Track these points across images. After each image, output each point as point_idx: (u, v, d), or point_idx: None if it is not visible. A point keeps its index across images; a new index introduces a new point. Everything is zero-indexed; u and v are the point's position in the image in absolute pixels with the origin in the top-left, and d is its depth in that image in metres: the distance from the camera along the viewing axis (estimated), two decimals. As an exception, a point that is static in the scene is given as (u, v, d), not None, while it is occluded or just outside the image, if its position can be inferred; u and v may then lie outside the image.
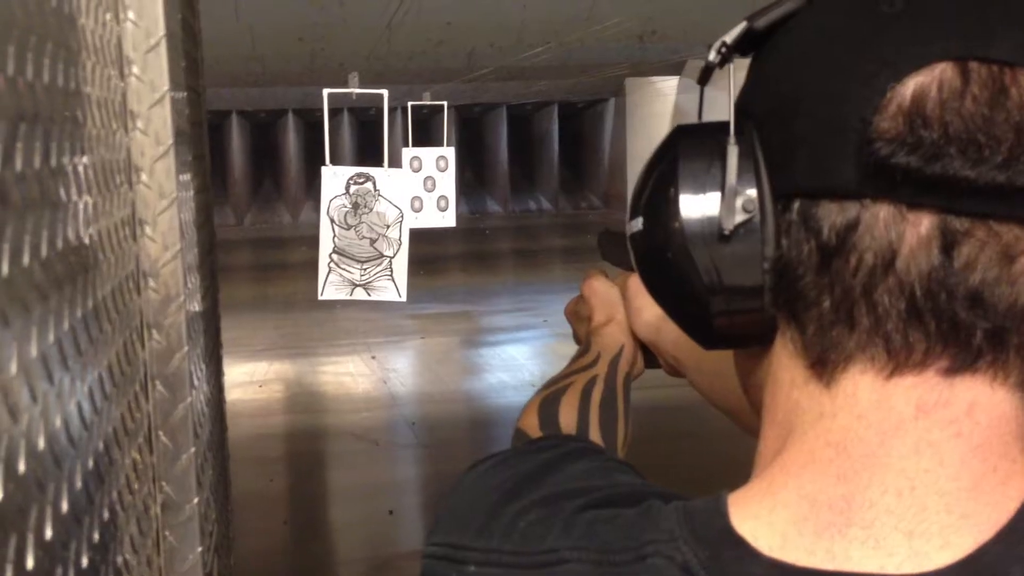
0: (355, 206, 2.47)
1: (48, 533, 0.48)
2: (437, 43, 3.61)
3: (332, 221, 2.44)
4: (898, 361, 0.50)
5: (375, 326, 6.79)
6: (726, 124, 0.54)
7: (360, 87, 2.70)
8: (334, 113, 2.48)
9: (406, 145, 3.49)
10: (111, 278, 0.69)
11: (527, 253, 11.34)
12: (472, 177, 13.50)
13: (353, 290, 2.46)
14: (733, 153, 0.53)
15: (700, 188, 0.54)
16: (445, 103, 3.62)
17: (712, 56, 0.56)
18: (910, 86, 0.48)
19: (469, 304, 7.94)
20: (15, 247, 0.46)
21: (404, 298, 2.46)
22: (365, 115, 12.59)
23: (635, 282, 1.03)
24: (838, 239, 0.49)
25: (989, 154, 0.47)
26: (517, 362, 6.04)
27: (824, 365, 0.52)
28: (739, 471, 0.58)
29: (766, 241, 0.52)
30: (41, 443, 0.48)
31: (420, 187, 3.49)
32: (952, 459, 0.50)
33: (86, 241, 0.61)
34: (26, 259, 0.48)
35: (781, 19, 0.54)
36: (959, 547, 0.49)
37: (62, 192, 0.57)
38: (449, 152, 3.52)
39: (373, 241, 2.49)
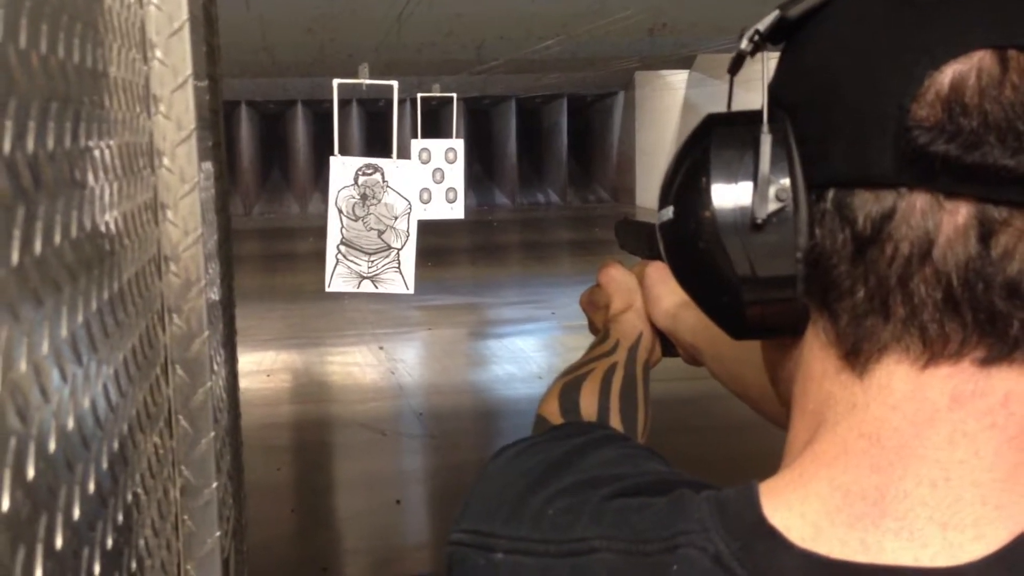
0: (363, 197, 2.47)
1: (76, 514, 0.48)
2: (447, 35, 3.62)
3: (340, 212, 2.45)
4: (933, 351, 0.49)
5: (382, 317, 6.81)
6: (758, 113, 0.53)
7: (370, 78, 2.70)
8: (343, 104, 2.48)
9: (415, 137, 3.50)
10: (134, 262, 0.69)
11: (535, 246, 11.34)
12: (480, 170, 13.49)
13: (360, 282, 2.47)
14: (767, 142, 0.52)
15: (732, 177, 0.54)
16: (454, 95, 3.62)
17: (744, 45, 0.55)
18: (948, 74, 0.48)
19: (476, 296, 7.95)
20: (47, 227, 0.46)
21: (412, 291, 2.46)
22: (374, 106, 12.60)
23: (653, 270, 1.03)
24: (873, 228, 0.49)
25: None
26: (524, 354, 6.05)
27: (857, 355, 0.51)
28: (742, 465, 0.58)
29: (799, 231, 0.52)
30: (70, 423, 0.49)
31: (429, 179, 3.50)
32: (987, 450, 0.49)
33: (111, 224, 0.62)
34: (58, 239, 0.48)
35: (815, 8, 0.53)
36: (993, 539, 0.49)
37: (89, 174, 0.57)
38: (458, 144, 3.52)
39: (381, 233, 2.50)
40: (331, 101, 2.47)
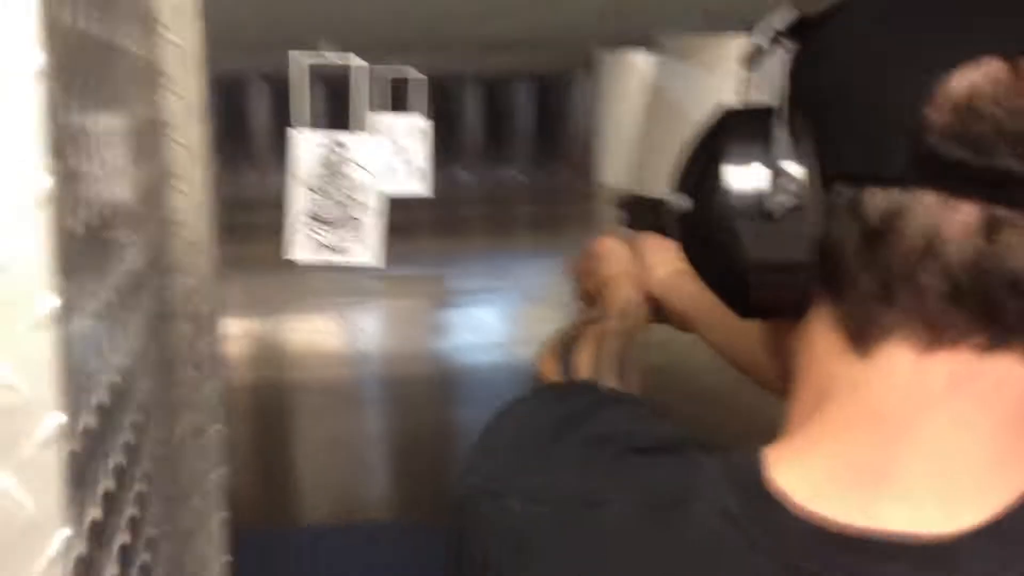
0: (328, 171, 2.50)
1: (120, 460, 0.53)
2: (408, 11, 3.63)
3: (304, 185, 2.48)
4: (935, 337, 0.52)
5: (344, 287, 6.81)
6: (772, 107, 0.56)
7: (330, 52, 2.72)
8: (303, 78, 2.51)
9: (378, 112, 3.50)
10: (151, 228, 0.75)
11: (498, 220, 11.34)
12: (444, 146, 13.43)
13: (325, 253, 2.50)
14: (782, 136, 0.55)
15: (749, 168, 0.56)
16: (418, 72, 3.63)
17: (762, 41, 0.58)
18: (962, 80, 0.50)
19: (439, 268, 7.97)
20: (82, 205, 0.50)
21: (377, 263, 2.49)
22: (335, 81, 12.44)
23: (649, 240, 1.06)
24: (883, 223, 0.51)
25: None
26: (485, 323, 6.11)
27: (862, 338, 0.54)
28: (722, 437, 0.63)
29: (812, 222, 0.54)
30: (115, 378, 0.53)
31: (393, 155, 3.51)
32: (981, 430, 0.52)
33: (132, 195, 0.66)
34: (89, 217, 0.52)
35: (831, 9, 0.56)
36: (984, 510, 0.52)
37: (113, 148, 0.60)
38: (422, 121, 3.54)
39: (346, 206, 2.53)
40: (290, 74, 2.49)
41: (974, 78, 0.50)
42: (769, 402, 0.77)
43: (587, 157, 13.52)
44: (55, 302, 0.42)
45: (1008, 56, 0.50)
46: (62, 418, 0.42)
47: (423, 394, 4.78)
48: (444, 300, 6.92)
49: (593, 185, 12.86)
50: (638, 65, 11.41)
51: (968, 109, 0.49)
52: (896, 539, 0.52)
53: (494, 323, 6.15)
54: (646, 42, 10.13)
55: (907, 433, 0.53)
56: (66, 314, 0.43)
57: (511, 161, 14.40)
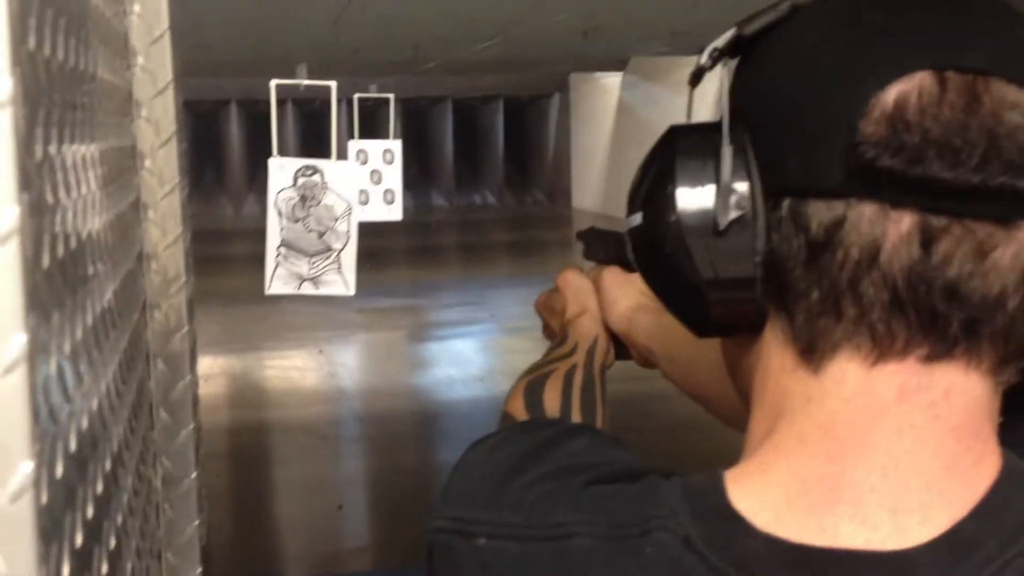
0: (303, 199, 2.46)
1: (90, 511, 0.49)
2: (384, 36, 3.62)
3: (280, 214, 2.43)
4: (882, 349, 0.53)
5: (321, 320, 6.75)
6: (719, 124, 0.57)
7: (307, 79, 2.68)
8: (279, 104, 2.48)
9: (351, 137, 3.48)
10: (125, 262, 0.71)
11: (473, 248, 11.35)
12: (417, 171, 13.46)
13: (301, 284, 2.45)
14: (727, 153, 0.56)
15: (696, 185, 0.57)
16: (391, 96, 3.62)
17: (704, 60, 0.59)
18: (892, 93, 0.51)
19: (416, 299, 7.93)
20: (52, 238, 0.47)
21: (352, 292, 2.46)
22: (310, 107, 12.48)
23: (609, 275, 1.07)
24: (826, 235, 0.52)
25: (965, 157, 0.50)
26: (464, 356, 6.06)
27: (812, 352, 0.55)
28: (683, 463, 0.62)
29: (757, 236, 0.55)
30: (85, 423, 0.50)
31: (367, 180, 3.48)
32: (931, 440, 0.53)
33: (104, 227, 0.63)
34: (73, 243, 0.50)
35: (768, 26, 0.57)
36: (937, 522, 0.53)
37: (87, 178, 0.58)
38: (396, 145, 3.51)
39: (321, 234, 2.49)
40: (266, 101, 2.45)
41: (904, 90, 0.51)
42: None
43: (561, 180, 13.57)
44: (22, 340, 0.38)
45: (937, 69, 0.52)
46: (32, 467, 0.39)
47: (404, 432, 4.72)
48: (423, 333, 6.88)
49: (570, 208, 12.95)
50: (609, 87, 11.52)
51: (899, 120, 0.51)
52: (853, 556, 0.52)
53: (473, 356, 6.11)
54: (618, 65, 10.23)
55: (859, 446, 0.54)
56: (35, 354, 0.39)
57: (485, 185, 14.47)
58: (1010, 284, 0.52)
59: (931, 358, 0.53)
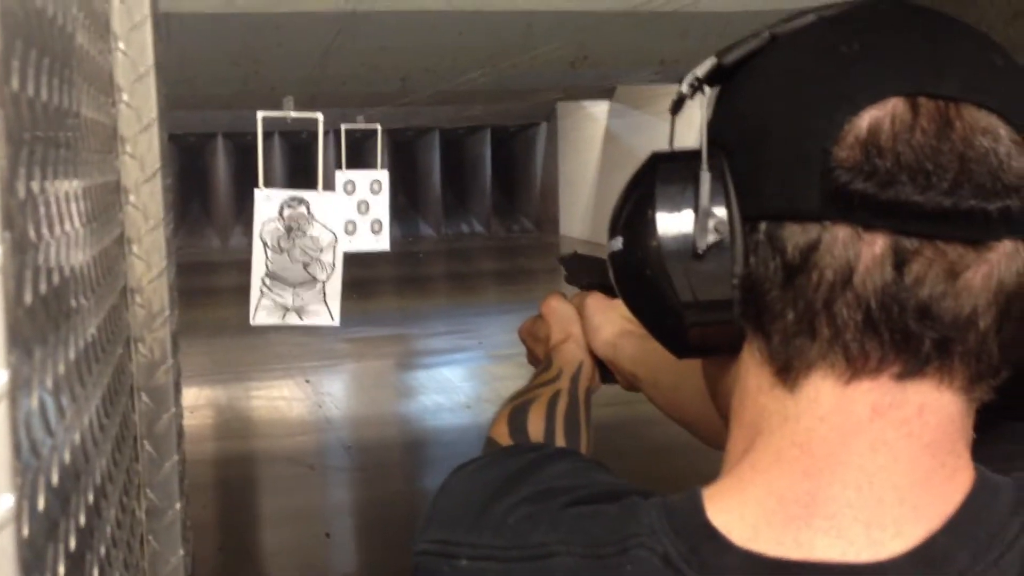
0: (288, 230, 2.47)
1: (72, 544, 0.50)
2: (371, 67, 3.64)
3: (265, 245, 2.44)
4: (855, 368, 0.54)
5: (308, 350, 6.74)
6: (699, 151, 0.58)
7: (294, 110, 2.70)
8: (266, 136, 2.49)
9: (339, 168, 3.49)
10: (109, 297, 0.71)
11: (461, 276, 11.35)
12: (405, 200, 13.49)
13: (286, 314, 2.45)
14: (706, 179, 0.58)
15: (676, 210, 0.59)
16: (378, 126, 3.64)
17: (684, 88, 0.61)
18: (866, 119, 0.53)
19: (403, 327, 7.93)
20: (35, 274, 0.48)
21: (337, 323, 2.46)
22: (296, 138, 12.51)
23: (592, 301, 1.08)
24: (801, 257, 0.54)
25: (936, 181, 0.52)
26: (452, 384, 6.05)
27: (788, 372, 0.56)
28: (669, 485, 0.62)
29: (735, 259, 0.57)
30: (67, 457, 0.50)
31: (354, 210, 3.49)
32: (905, 456, 0.54)
33: (88, 262, 0.64)
34: (56, 279, 0.50)
35: (747, 56, 0.59)
36: (911, 536, 0.54)
37: (70, 214, 0.59)
38: (383, 175, 3.53)
39: (307, 265, 2.49)
40: (253, 134, 2.46)
41: (877, 116, 0.53)
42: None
43: (549, 208, 13.62)
44: (3, 377, 0.39)
45: (910, 96, 0.53)
46: (13, 500, 0.39)
47: (391, 461, 4.71)
48: (410, 361, 6.87)
49: (558, 236, 12.98)
50: (596, 116, 11.60)
51: (872, 145, 0.52)
52: (828, 568, 0.53)
53: (461, 383, 6.10)
54: (605, 94, 10.30)
55: (834, 463, 0.55)
56: (16, 389, 0.40)
57: (473, 214, 14.51)
58: (981, 304, 0.53)
59: (904, 376, 0.54)
